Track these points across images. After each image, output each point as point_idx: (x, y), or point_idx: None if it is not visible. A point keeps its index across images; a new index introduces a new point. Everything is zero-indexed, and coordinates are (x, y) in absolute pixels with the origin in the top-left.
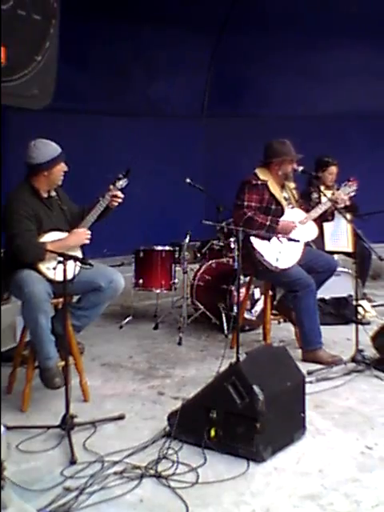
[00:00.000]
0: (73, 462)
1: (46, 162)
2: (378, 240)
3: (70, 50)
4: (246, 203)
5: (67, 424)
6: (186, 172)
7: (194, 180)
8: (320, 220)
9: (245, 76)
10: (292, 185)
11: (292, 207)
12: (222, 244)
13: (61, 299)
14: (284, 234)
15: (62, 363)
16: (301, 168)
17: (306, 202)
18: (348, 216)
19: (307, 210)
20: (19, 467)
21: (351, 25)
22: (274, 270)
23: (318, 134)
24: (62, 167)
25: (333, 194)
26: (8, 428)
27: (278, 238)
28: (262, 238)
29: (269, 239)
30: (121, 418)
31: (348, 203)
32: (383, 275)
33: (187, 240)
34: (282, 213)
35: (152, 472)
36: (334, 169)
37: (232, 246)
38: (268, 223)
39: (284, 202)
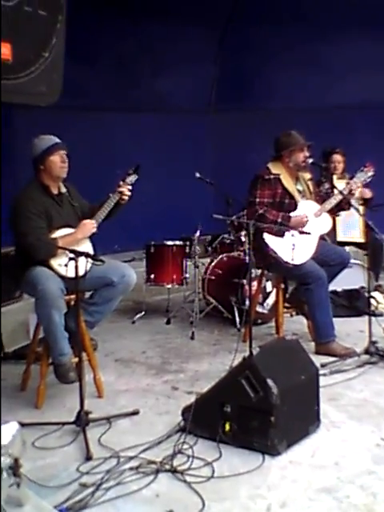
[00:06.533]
0: (88, 458)
1: (39, 155)
2: None
3: (76, 47)
4: (257, 200)
5: (82, 420)
6: (195, 166)
7: (203, 174)
8: (337, 209)
9: (252, 69)
10: (307, 176)
11: (306, 199)
12: (232, 238)
13: (73, 296)
14: (297, 228)
15: (76, 360)
16: (310, 160)
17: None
18: (360, 209)
19: (322, 202)
20: (35, 464)
21: (358, 16)
22: (285, 263)
23: (325, 125)
24: (56, 158)
25: (347, 183)
26: (23, 425)
27: (290, 232)
28: (275, 234)
29: (281, 235)
30: (135, 413)
31: (369, 195)
32: None
33: (198, 234)
34: (295, 206)
35: (167, 467)
36: (337, 157)
37: (242, 239)
38: (279, 220)
39: (297, 195)
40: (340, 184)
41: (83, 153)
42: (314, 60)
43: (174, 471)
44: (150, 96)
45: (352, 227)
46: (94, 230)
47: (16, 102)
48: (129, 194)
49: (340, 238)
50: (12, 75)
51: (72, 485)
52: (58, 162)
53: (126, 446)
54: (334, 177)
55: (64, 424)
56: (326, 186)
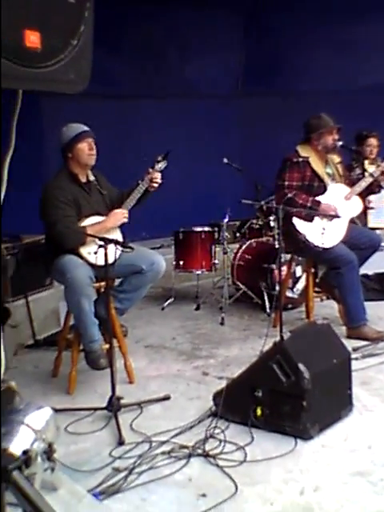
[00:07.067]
0: (121, 442)
1: (67, 143)
2: None
3: (103, 33)
4: (286, 183)
5: (114, 405)
6: (223, 151)
7: (231, 159)
8: (366, 192)
9: (279, 52)
10: (337, 159)
11: (335, 182)
12: (261, 223)
13: (103, 283)
14: (326, 214)
15: (107, 346)
16: (340, 143)
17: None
18: None
19: (352, 185)
20: (68, 449)
21: None
22: (315, 247)
23: (354, 108)
24: (84, 146)
25: (378, 166)
26: (56, 410)
27: (320, 216)
28: (304, 218)
29: (311, 220)
30: (166, 398)
31: None
32: None
33: (226, 220)
34: (324, 189)
35: (200, 451)
36: (372, 141)
37: (271, 224)
38: (309, 204)
39: (327, 178)
40: (371, 169)
41: (111, 140)
42: (341, 42)
43: (206, 455)
44: (177, 82)
45: (382, 213)
46: (125, 219)
47: (45, 90)
48: (159, 181)
49: (371, 224)
50: (41, 63)
51: (105, 469)
52: (86, 149)
53: (158, 430)
54: (366, 161)
55: (96, 409)
56: (358, 171)
